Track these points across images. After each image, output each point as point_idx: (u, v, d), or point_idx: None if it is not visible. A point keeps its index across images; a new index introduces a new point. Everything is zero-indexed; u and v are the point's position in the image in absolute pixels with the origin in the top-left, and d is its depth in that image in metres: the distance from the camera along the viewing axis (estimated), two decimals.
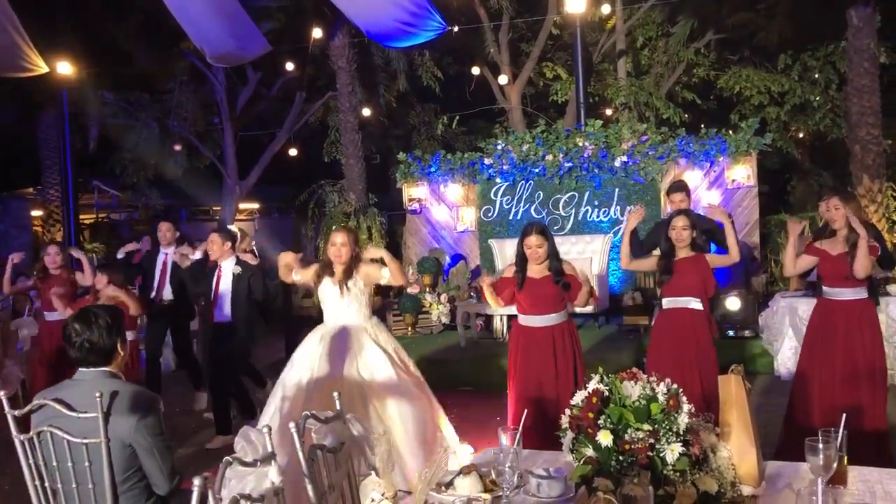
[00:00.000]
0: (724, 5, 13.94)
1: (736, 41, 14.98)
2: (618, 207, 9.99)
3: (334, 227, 5.19)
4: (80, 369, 2.79)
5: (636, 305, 8.59)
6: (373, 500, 2.42)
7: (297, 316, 9.83)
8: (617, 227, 9.78)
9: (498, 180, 10.45)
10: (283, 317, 9.38)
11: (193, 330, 7.63)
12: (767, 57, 14.60)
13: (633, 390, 2.21)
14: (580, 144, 9.99)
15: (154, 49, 14.76)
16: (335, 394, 2.72)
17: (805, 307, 6.18)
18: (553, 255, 4.38)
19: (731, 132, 9.90)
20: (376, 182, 14.81)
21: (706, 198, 9.48)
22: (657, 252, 5.06)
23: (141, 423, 2.66)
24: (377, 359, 4.30)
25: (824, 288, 4.64)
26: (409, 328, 9.47)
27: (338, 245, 4.49)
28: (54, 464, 2.66)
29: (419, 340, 8.91)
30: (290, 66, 15.11)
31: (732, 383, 2.52)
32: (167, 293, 6.86)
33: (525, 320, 4.43)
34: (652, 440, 2.11)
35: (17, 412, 2.69)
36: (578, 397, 2.27)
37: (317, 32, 12.73)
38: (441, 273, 10.20)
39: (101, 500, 2.66)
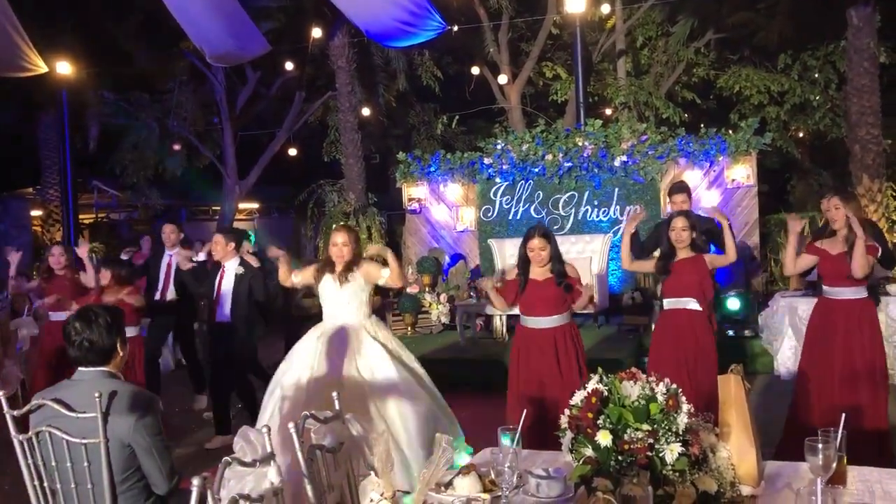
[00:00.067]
0: (724, 5, 13.92)
1: (736, 41, 14.97)
2: (617, 207, 9.99)
3: (334, 227, 5.18)
4: (79, 369, 2.79)
5: (636, 305, 8.59)
6: (372, 500, 2.42)
7: (297, 316, 9.81)
8: (617, 227, 9.77)
9: (497, 180, 10.45)
10: (283, 317, 9.36)
11: (194, 330, 7.64)
12: (767, 56, 14.60)
13: (632, 390, 2.21)
14: (580, 144, 9.99)
15: (154, 49, 14.75)
16: (334, 394, 2.72)
17: (805, 307, 6.18)
18: (556, 258, 4.39)
19: (730, 132, 9.89)
20: (376, 182, 14.80)
21: (706, 197, 9.49)
22: (658, 253, 5.06)
23: (140, 422, 2.66)
24: (377, 356, 4.28)
25: (824, 287, 4.64)
26: (409, 328, 9.47)
27: (339, 245, 4.50)
28: (53, 464, 2.65)
29: (419, 340, 8.90)
30: (289, 66, 15.11)
31: (732, 383, 2.52)
32: (171, 294, 6.90)
33: (527, 322, 4.43)
34: (651, 440, 2.10)
35: (16, 412, 2.69)
36: (577, 397, 2.27)
37: (316, 32, 12.73)
38: (440, 273, 10.20)
39: (100, 500, 2.66)
